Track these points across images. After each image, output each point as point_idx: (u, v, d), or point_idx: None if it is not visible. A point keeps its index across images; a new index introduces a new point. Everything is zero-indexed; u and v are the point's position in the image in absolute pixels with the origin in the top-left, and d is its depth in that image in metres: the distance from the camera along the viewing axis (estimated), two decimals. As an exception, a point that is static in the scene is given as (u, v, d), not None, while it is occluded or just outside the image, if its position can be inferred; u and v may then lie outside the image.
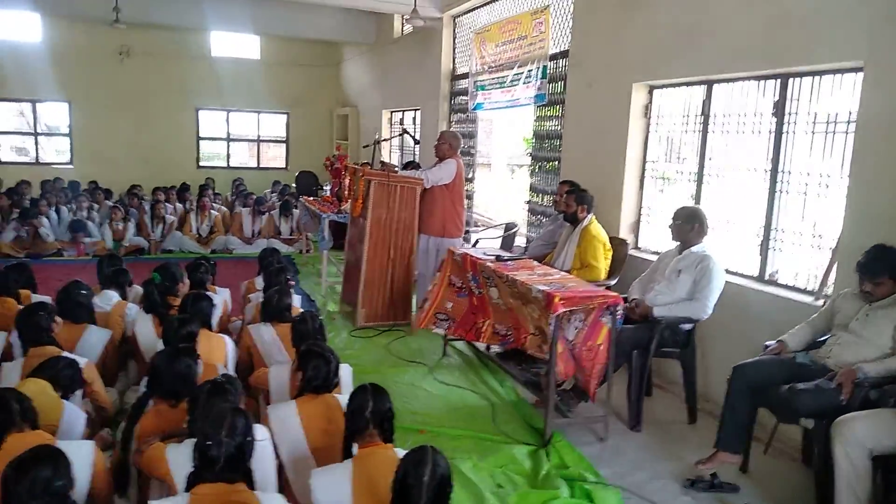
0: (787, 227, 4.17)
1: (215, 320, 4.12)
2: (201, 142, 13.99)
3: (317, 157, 11.24)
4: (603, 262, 4.79)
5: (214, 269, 5.01)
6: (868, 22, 3.43)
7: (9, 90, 12.22)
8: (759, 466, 3.47)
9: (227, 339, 3.75)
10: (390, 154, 11.17)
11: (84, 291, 3.84)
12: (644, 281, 4.32)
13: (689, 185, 4.94)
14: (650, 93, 5.25)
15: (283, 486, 2.65)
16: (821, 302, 3.74)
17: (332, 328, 5.61)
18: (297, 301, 4.73)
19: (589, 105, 5.78)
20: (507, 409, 4.20)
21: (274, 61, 13.79)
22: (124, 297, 4.46)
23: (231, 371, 3.54)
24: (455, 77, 8.96)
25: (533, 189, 7.16)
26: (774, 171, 4.18)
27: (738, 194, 4.55)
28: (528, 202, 7.32)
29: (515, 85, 7.05)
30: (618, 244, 5.06)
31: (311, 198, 8.58)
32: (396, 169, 5.81)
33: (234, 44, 13.78)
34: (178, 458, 2.34)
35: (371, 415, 2.42)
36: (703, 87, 4.75)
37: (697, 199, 4.81)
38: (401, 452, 2.30)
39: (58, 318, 3.45)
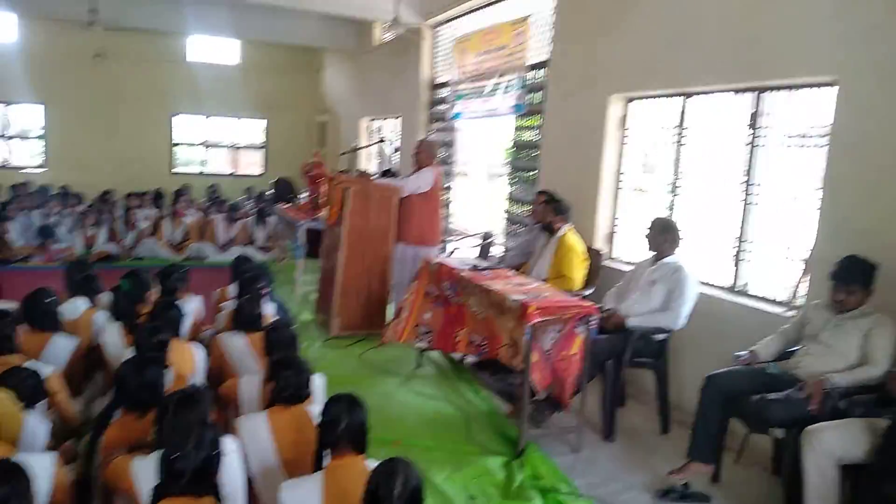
0: (759, 238, 4.22)
1: (186, 329, 4.05)
2: (177, 147, 13.84)
3: (294, 164, 11.16)
4: (578, 272, 4.81)
5: (186, 277, 4.91)
6: (841, 38, 3.49)
7: (-17, 91, 12.01)
8: (730, 476, 3.49)
9: (197, 347, 3.69)
10: (369, 162, 11.13)
11: (51, 299, 3.75)
12: (619, 291, 4.34)
13: (664, 197, 4.99)
14: (627, 104, 5.30)
15: (252, 499, 2.60)
16: (792, 313, 3.78)
17: (307, 337, 5.56)
18: (270, 310, 4.67)
19: (567, 116, 5.82)
20: (481, 419, 4.18)
21: (252, 66, 13.71)
22: (93, 304, 4.37)
23: (202, 380, 3.48)
24: (435, 86, 8.97)
25: (511, 199, 7.18)
26: (748, 184, 4.23)
27: (712, 206, 4.60)
28: (506, 212, 7.34)
29: (494, 95, 7.07)
30: (593, 254, 5.08)
31: (288, 205, 8.51)
32: (373, 177, 5.78)
33: (212, 48, 13.66)
34: (144, 472, 2.28)
35: (345, 426, 2.38)
36: (679, 100, 4.80)
37: (671, 210, 4.85)
38: (373, 464, 2.27)
39: (21, 327, 3.36)
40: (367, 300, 5.68)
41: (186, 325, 4.06)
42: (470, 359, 4.91)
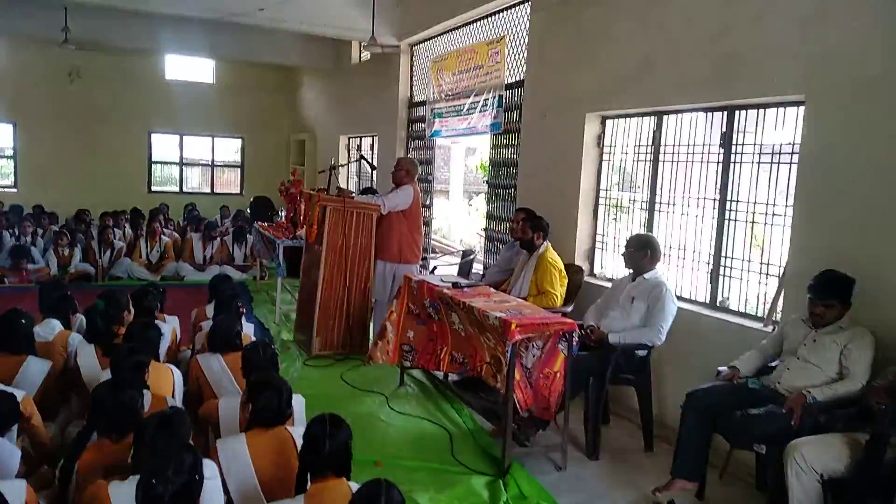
0: (736, 254, 4.28)
1: (163, 350, 3.98)
2: (154, 166, 13.70)
3: (272, 183, 11.09)
4: (559, 289, 4.82)
5: (163, 297, 4.85)
6: (808, 58, 3.58)
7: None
8: (714, 492, 3.50)
9: (174, 369, 3.62)
10: (347, 181, 11.12)
11: (24, 320, 3.66)
12: (599, 308, 4.36)
13: (642, 214, 5.04)
14: (603, 123, 5.36)
15: (232, 524, 2.54)
16: (770, 328, 3.83)
17: (286, 357, 5.49)
18: (249, 329, 4.62)
19: (544, 134, 5.87)
20: (464, 438, 4.16)
21: (229, 85, 13.67)
22: (67, 326, 4.28)
23: (179, 403, 3.41)
24: (413, 104, 9.02)
25: (490, 216, 7.20)
26: (723, 200, 4.30)
27: (689, 222, 4.65)
28: (485, 229, 7.36)
29: (472, 113, 7.12)
30: (574, 271, 5.11)
31: (266, 223, 8.45)
32: (353, 195, 5.76)
33: (189, 67, 13.61)
34: (122, 497, 2.22)
35: (329, 449, 2.34)
36: (654, 119, 4.87)
37: (650, 227, 4.90)
38: (356, 486, 2.23)
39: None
40: (348, 319, 5.64)
41: (164, 345, 3.99)
42: (453, 377, 4.89)
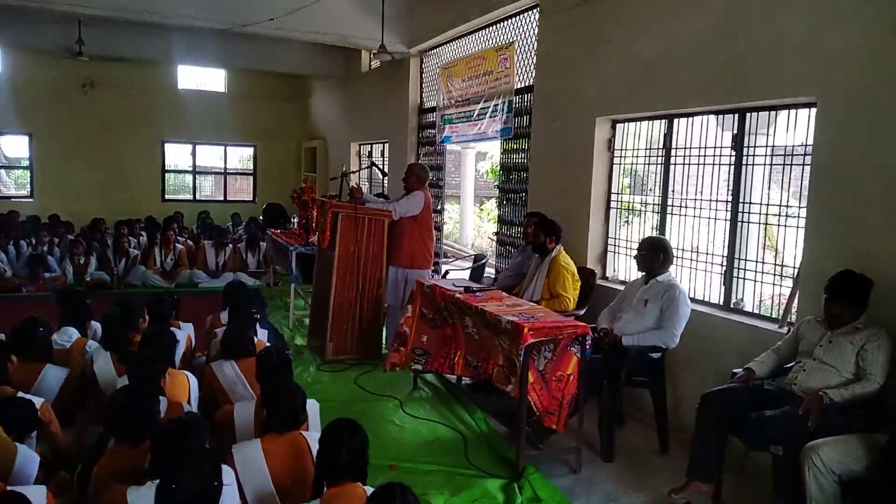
0: (749, 256, 4.26)
1: (178, 356, 4.02)
2: (167, 174, 13.83)
3: (285, 190, 11.17)
4: (572, 292, 4.82)
5: (177, 304, 4.90)
6: (820, 59, 3.56)
7: (-32, 123, 11.99)
8: (731, 494, 3.48)
9: (190, 375, 3.65)
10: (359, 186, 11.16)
11: (42, 328, 3.71)
12: (611, 311, 4.35)
13: (654, 216, 5.03)
14: (613, 126, 5.36)
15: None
16: (785, 330, 3.80)
17: (300, 362, 5.52)
18: (263, 335, 4.65)
19: (554, 139, 5.88)
20: (479, 441, 4.16)
21: (241, 94, 13.79)
22: (84, 333, 4.33)
23: (195, 408, 3.44)
24: (423, 111, 9.05)
25: (501, 220, 7.21)
26: (735, 202, 4.28)
27: (702, 225, 4.64)
28: (497, 234, 7.36)
29: (482, 119, 7.14)
30: (586, 274, 5.11)
31: (279, 230, 8.51)
32: (363, 196, 5.76)
33: (202, 76, 13.75)
34: (140, 502, 2.24)
35: (345, 454, 2.36)
36: (665, 122, 4.87)
37: (662, 229, 4.89)
38: (371, 491, 2.24)
39: (13, 357, 3.33)
40: (361, 324, 5.66)
41: (179, 352, 4.03)
42: (466, 380, 4.89)
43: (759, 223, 4.22)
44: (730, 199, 4.33)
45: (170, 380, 3.39)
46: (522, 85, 6.55)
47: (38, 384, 3.48)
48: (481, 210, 15.15)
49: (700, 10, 4.33)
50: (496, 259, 7.31)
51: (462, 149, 12.28)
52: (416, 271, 5.72)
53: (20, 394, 3.08)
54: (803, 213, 3.78)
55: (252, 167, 14.54)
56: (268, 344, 4.29)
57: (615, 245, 5.44)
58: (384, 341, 5.86)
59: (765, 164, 4.17)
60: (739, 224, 4.27)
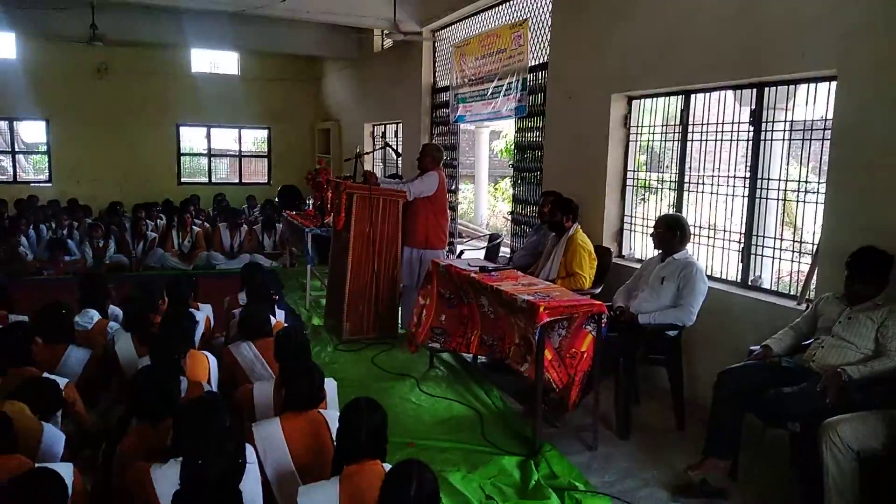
0: (768, 232, 4.22)
1: (198, 337, 4.07)
2: (182, 158, 13.91)
3: (299, 172, 11.21)
4: (588, 271, 4.81)
5: (196, 286, 4.95)
6: (840, 31, 3.49)
7: (-14, 108, 12.10)
8: (747, 471, 3.47)
9: (210, 356, 3.70)
10: (373, 167, 11.17)
11: (64, 311, 3.78)
12: (628, 289, 4.34)
13: (671, 194, 4.99)
14: (629, 103, 5.30)
15: (269, 504, 2.61)
16: (803, 306, 3.77)
17: (318, 342, 5.58)
18: (280, 316, 4.70)
19: (569, 116, 5.83)
20: (495, 419, 4.19)
21: (254, 77, 13.77)
22: (105, 315, 4.40)
23: (215, 388, 3.49)
24: (436, 90, 9.00)
25: (516, 200, 7.18)
26: (753, 178, 4.23)
27: (719, 201, 4.59)
28: (511, 213, 7.34)
29: (496, 97, 7.09)
30: (602, 253, 5.09)
31: (294, 212, 8.54)
32: (378, 180, 5.78)
33: (215, 59, 13.76)
34: (164, 479, 2.29)
35: (365, 432, 2.38)
36: (681, 97, 4.80)
37: (679, 206, 4.85)
38: (389, 468, 2.27)
39: (37, 339, 3.39)
40: (377, 304, 5.69)
41: (198, 333, 4.08)
42: (482, 359, 4.91)
43: (778, 199, 4.17)
44: (748, 175, 4.28)
45: (190, 360, 3.44)
46: (537, 62, 6.48)
47: (62, 365, 3.54)
48: (496, 189, 15.10)
49: (717, -17, 4.25)
50: (511, 238, 7.30)
51: (476, 128, 12.21)
52: (430, 251, 5.73)
53: (45, 375, 3.13)
54: (822, 188, 3.73)
55: (266, 149, 14.57)
56: (285, 324, 4.34)
57: (631, 223, 5.41)
58: (400, 321, 5.89)
59: (783, 140, 4.11)
60: (757, 200, 4.23)
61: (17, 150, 12.98)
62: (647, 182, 5.36)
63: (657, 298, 4.04)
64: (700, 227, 4.69)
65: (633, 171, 5.38)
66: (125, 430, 2.79)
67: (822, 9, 3.59)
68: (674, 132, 4.92)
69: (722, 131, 4.52)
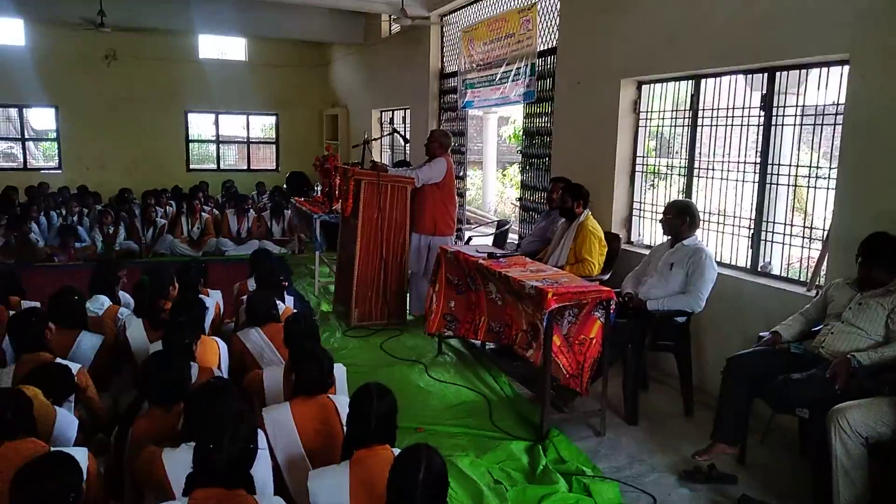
0: (778, 218, 4.19)
1: (208, 323, 4.10)
2: (191, 144, 13.93)
3: (307, 158, 11.20)
4: (597, 257, 4.79)
5: (205, 272, 4.98)
6: (853, 15, 3.44)
7: (-4, 95, 12.15)
8: (756, 457, 3.48)
9: (220, 342, 3.73)
10: (381, 154, 11.15)
11: (76, 296, 3.81)
12: (637, 275, 4.33)
13: (680, 180, 4.96)
14: (638, 88, 5.26)
15: (279, 488, 2.63)
16: (813, 292, 3.76)
17: (326, 328, 5.60)
18: (290, 302, 4.72)
19: (578, 102, 5.79)
20: (503, 404, 4.21)
21: (261, 63, 13.73)
22: (115, 301, 4.43)
23: (225, 374, 3.52)
24: (444, 76, 8.95)
25: (524, 186, 7.16)
26: (764, 164, 4.20)
27: (729, 187, 4.56)
28: (520, 199, 7.33)
29: (504, 83, 7.05)
30: (611, 239, 5.07)
31: (302, 198, 8.55)
32: (387, 168, 5.78)
33: (223, 45, 13.72)
34: (176, 463, 2.31)
35: (375, 417, 2.39)
36: (691, 82, 4.76)
37: (688, 192, 4.83)
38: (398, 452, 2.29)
39: (50, 324, 3.42)
40: (385, 291, 5.70)
41: (208, 319, 4.10)
42: (490, 346, 4.93)
43: (789, 185, 4.14)
44: (758, 160, 4.25)
45: (200, 346, 3.46)
46: (545, 47, 6.44)
47: (75, 350, 3.58)
48: (504, 175, 15.05)
49: (729, -34, 4.20)
50: (519, 225, 7.29)
51: (484, 114, 12.16)
52: (438, 238, 5.74)
53: (58, 360, 3.17)
54: (834, 174, 3.70)
55: (275, 136, 14.57)
56: (295, 310, 4.36)
57: (640, 209, 5.39)
58: (408, 307, 5.91)
59: (795, 125, 4.07)
60: (768, 186, 4.20)
61: (26, 137, 13.02)
62: (656, 168, 5.33)
63: (666, 285, 4.03)
64: (710, 213, 4.66)
65: (643, 156, 5.35)
66: (136, 414, 2.82)
67: (834, -9, 3.54)
68: (684, 117, 4.88)
69: (732, 116, 4.49)
